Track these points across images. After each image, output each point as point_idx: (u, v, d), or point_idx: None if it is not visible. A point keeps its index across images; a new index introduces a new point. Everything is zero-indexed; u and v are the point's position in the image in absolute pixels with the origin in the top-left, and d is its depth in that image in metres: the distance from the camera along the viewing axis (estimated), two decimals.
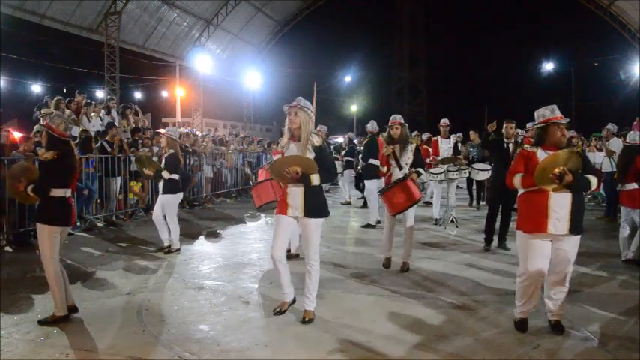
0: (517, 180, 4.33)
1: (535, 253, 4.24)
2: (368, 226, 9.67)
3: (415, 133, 13.36)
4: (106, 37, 20.80)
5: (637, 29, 26.22)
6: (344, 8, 42.40)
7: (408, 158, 6.47)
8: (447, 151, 9.84)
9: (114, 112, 12.41)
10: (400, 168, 6.43)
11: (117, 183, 9.96)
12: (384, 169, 6.61)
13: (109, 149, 9.83)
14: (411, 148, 6.53)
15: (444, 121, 10.26)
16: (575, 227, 4.15)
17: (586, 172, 4.18)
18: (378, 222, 9.52)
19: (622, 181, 6.87)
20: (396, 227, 6.58)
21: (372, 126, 10.14)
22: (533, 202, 4.24)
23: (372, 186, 9.62)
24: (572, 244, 4.23)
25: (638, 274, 6.14)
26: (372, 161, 9.44)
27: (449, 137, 10.14)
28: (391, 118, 6.67)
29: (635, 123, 19.10)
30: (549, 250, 4.25)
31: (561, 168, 3.96)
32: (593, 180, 4.17)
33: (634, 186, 6.65)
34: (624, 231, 6.92)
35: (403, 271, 6.34)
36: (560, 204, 4.12)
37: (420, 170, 6.54)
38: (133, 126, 12.45)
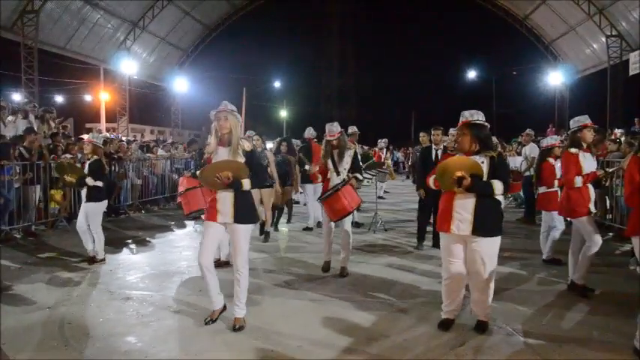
0: (431, 180, 4.57)
1: (449, 253, 4.44)
2: (307, 229, 9.77)
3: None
4: (22, 37, 19.62)
5: (549, 42, 28.22)
6: (273, 14, 42.14)
7: (346, 163, 6.48)
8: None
9: (31, 117, 11.80)
10: (338, 173, 6.46)
11: (36, 191, 9.47)
12: (316, 169, 6.60)
13: (27, 155, 9.34)
14: (350, 153, 6.53)
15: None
16: (479, 229, 4.24)
17: (498, 177, 4.24)
18: (319, 224, 9.57)
19: (537, 184, 7.26)
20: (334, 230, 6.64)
21: (308, 132, 10.31)
22: (443, 202, 4.45)
23: (309, 190, 9.87)
24: (485, 246, 4.28)
25: (555, 272, 6.52)
26: (308, 167, 9.53)
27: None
28: (327, 130, 6.52)
29: (548, 130, 20.43)
30: (463, 251, 4.40)
31: (461, 172, 4.13)
32: (498, 185, 4.21)
33: (546, 188, 7.02)
34: (544, 233, 7.18)
35: (342, 276, 6.32)
36: (463, 206, 4.27)
37: (358, 175, 6.57)
38: (55, 131, 11.90)
